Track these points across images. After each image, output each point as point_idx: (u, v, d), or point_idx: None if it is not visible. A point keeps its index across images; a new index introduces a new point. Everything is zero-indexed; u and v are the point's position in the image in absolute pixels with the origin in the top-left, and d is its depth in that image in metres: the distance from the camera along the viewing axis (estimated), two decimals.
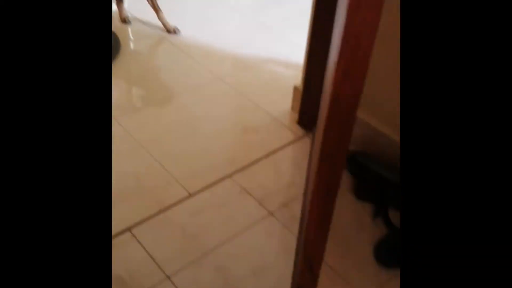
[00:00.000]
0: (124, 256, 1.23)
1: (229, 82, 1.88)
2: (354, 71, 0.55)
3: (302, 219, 0.90)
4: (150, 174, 1.47)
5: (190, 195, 1.41)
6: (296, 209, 1.39)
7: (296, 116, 1.71)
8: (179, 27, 2.14)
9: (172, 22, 2.15)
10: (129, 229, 1.30)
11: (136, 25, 2.18)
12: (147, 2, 2.16)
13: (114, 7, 2.25)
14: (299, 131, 1.67)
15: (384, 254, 1.24)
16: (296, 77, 1.78)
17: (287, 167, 1.56)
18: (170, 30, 2.14)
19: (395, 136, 1.46)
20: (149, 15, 2.17)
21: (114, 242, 1.26)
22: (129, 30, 2.16)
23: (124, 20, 2.21)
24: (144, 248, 1.25)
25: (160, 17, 2.15)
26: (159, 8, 2.15)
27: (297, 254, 0.97)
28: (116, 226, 1.30)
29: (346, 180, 1.48)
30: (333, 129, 0.59)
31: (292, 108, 1.75)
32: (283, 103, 1.78)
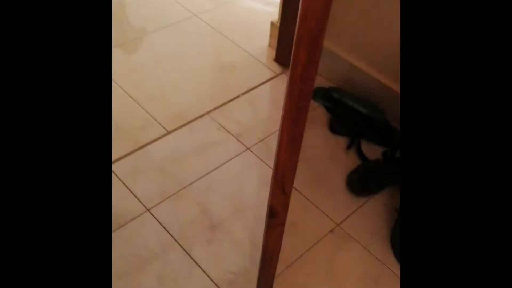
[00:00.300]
0: None
1: (205, 19, 1.85)
2: None
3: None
4: (127, 113, 1.48)
5: (168, 133, 1.43)
6: (273, 144, 1.42)
7: (273, 53, 1.71)
8: None
9: None
10: None
11: None
12: None
13: None
14: (277, 68, 1.68)
15: (356, 183, 1.30)
16: (273, 13, 1.76)
17: (265, 104, 1.58)
18: None
19: (370, 71, 1.48)
20: None
21: None
22: None
23: None
24: (123, 183, 1.28)
25: None
26: None
27: None
28: None
29: (321, 116, 1.51)
30: (302, 48, 0.60)
31: (270, 45, 1.74)
32: (261, 40, 1.77)
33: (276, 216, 0.82)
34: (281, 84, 1.63)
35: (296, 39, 0.60)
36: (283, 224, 0.85)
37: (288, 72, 0.65)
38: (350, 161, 1.38)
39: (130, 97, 1.52)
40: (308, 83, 0.64)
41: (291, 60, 0.62)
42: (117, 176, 1.30)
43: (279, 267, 1.11)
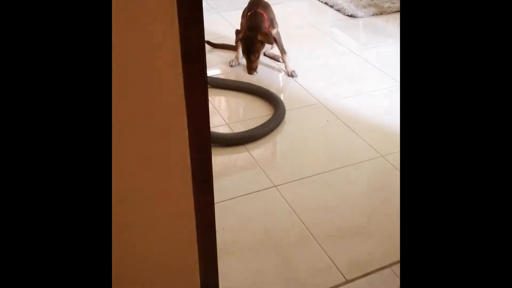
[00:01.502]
0: None
1: (392, 161, 1.81)
2: None
3: None
4: (307, 253, 1.46)
5: (347, 281, 1.36)
6: None
7: None
8: (343, 102, 2.17)
9: (330, 94, 2.19)
10: None
11: (292, 85, 2.27)
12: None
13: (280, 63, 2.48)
14: None
15: None
16: None
17: None
18: (289, 74, 2.39)
19: None
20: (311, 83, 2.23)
21: None
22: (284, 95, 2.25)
23: (291, 75, 2.39)
24: None
25: (284, 59, 2.43)
26: (284, 50, 2.42)
27: None
28: None
29: None
30: None
31: None
32: None
33: None
34: None
35: None
36: None
37: None
38: None
39: (311, 234, 1.51)
40: None
41: None
42: None
43: None
